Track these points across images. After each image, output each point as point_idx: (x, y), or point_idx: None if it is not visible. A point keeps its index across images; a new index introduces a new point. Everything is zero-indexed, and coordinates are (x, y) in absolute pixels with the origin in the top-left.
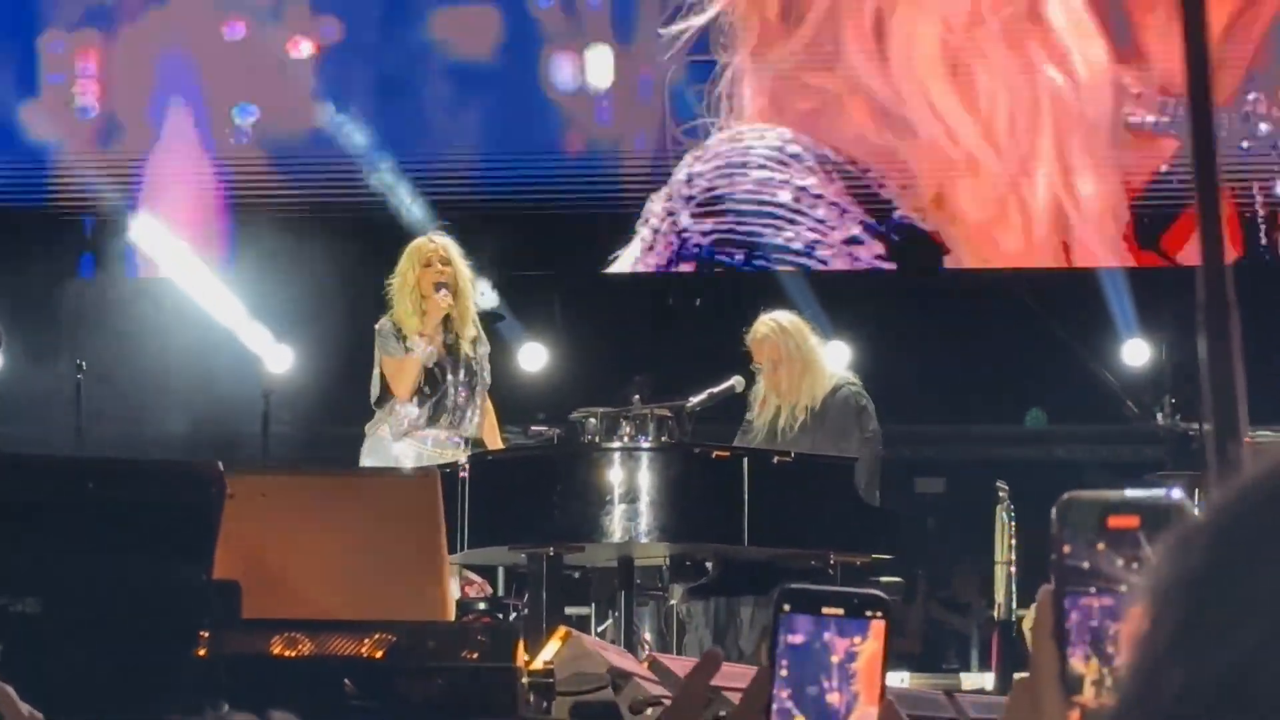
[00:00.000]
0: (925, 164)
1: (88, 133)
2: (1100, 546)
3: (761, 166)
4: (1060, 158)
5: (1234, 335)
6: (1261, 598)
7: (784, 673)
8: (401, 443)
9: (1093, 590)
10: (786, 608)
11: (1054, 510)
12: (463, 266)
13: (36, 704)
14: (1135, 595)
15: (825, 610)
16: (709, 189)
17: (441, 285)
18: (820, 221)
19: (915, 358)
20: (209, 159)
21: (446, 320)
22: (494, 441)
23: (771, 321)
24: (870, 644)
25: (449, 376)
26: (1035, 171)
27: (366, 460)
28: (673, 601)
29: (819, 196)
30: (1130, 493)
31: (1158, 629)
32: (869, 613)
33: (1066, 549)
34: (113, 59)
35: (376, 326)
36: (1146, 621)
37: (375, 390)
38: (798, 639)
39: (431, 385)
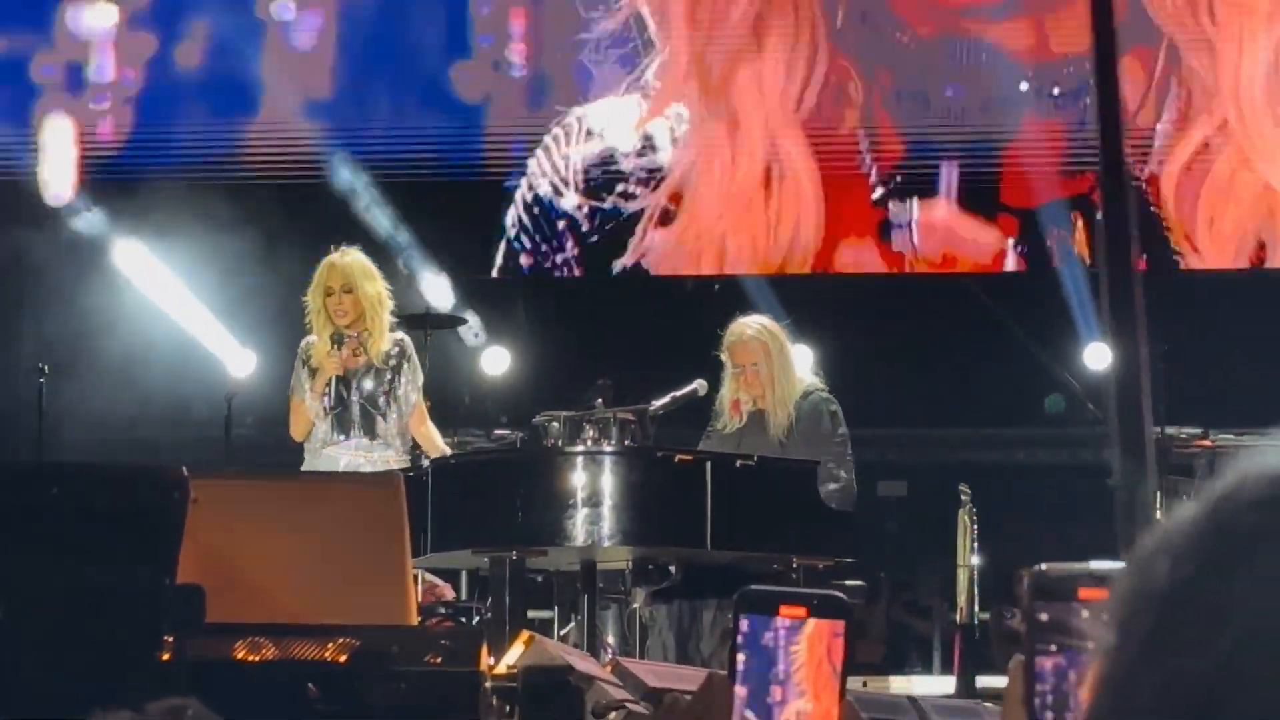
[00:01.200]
0: None
1: (517, 93)
2: (1070, 617)
3: None
4: None
5: (1141, 341)
6: (1233, 608)
7: (743, 674)
8: (324, 455)
9: (1062, 656)
10: (746, 609)
11: (1025, 581)
12: (368, 287)
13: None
14: (1105, 607)
15: (785, 611)
16: None
17: (336, 338)
18: None
19: (877, 361)
20: None
21: (359, 334)
22: (434, 452)
23: (758, 324)
24: (830, 645)
25: (353, 394)
26: None
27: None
28: (636, 605)
29: None
30: (1100, 565)
31: (1128, 639)
32: (829, 614)
33: (1038, 619)
34: (540, 19)
35: (301, 344)
36: (1116, 632)
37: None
38: (757, 641)
39: (336, 398)
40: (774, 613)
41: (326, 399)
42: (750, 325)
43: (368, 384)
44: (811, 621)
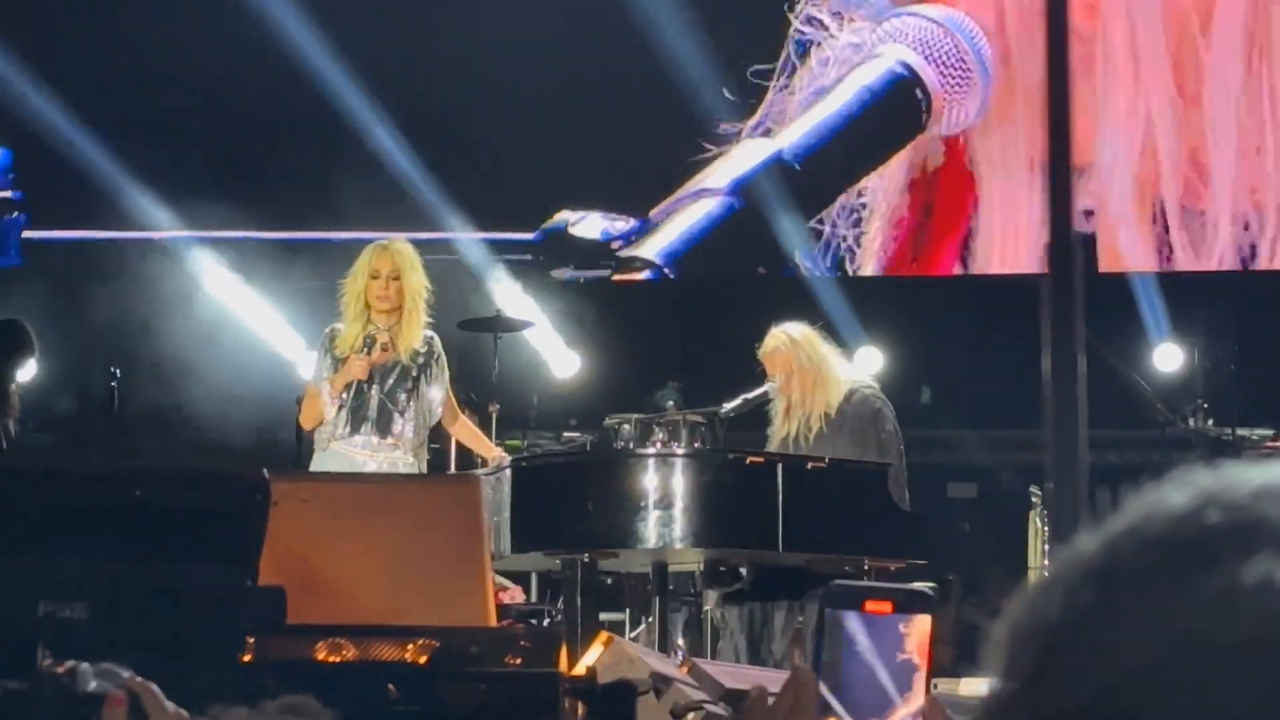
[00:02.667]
0: None
1: None
2: None
3: None
4: None
5: (1079, 346)
6: (1117, 645)
7: (829, 668)
8: (331, 451)
9: None
10: (831, 604)
11: None
12: (414, 278)
13: None
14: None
15: (870, 607)
16: None
17: (368, 340)
18: None
19: (947, 363)
20: None
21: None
22: (480, 446)
23: (781, 334)
24: (915, 640)
25: (374, 388)
26: None
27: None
28: (707, 607)
29: None
30: None
31: (1011, 672)
32: (914, 609)
33: None
34: None
35: (324, 332)
36: (1001, 665)
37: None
38: (843, 635)
39: (352, 393)
40: (859, 608)
41: (346, 394)
42: (773, 336)
43: (390, 381)
44: (896, 616)
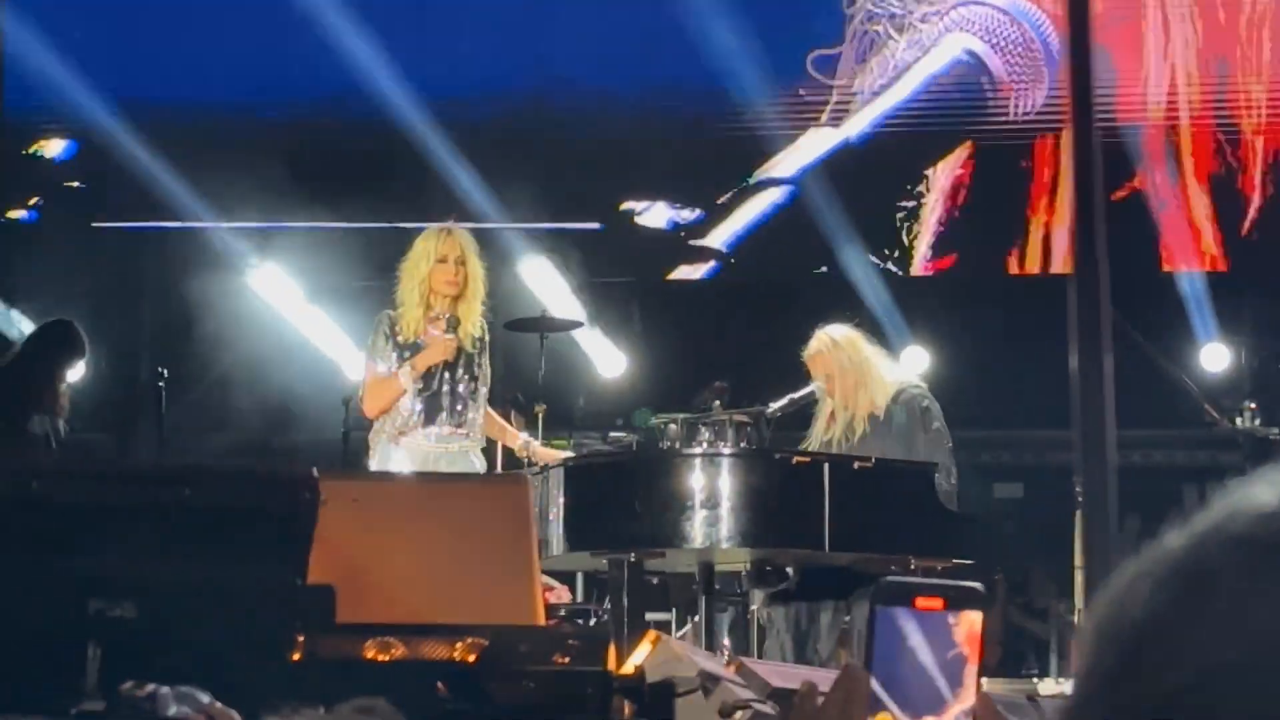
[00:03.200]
0: None
1: None
2: None
3: None
4: None
5: (1106, 344)
6: (1198, 642)
7: (879, 665)
8: (402, 444)
9: None
10: (881, 601)
11: None
12: (476, 263)
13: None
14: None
15: (920, 603)
16: None
17: (451, 321)
18: None
19: (992, 362)
20: None
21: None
22: (503, 436)
23: (824, 336)
24: (966, 637)
25: (446, 373)
26: None
27: (376, 466)
28: (754, 607)
29: None
30: None
31: (1095, 668)
32: (965, 605)
33: None
34: None
35: (377, 318)
36: (1084, 661)
37: (362, 392)
38: (893, 632)
39: (427, 380)
40: (909, 604)
41: (420, 381)
42: (815, 339)
43: (459, 369)
44: (947, 613)
